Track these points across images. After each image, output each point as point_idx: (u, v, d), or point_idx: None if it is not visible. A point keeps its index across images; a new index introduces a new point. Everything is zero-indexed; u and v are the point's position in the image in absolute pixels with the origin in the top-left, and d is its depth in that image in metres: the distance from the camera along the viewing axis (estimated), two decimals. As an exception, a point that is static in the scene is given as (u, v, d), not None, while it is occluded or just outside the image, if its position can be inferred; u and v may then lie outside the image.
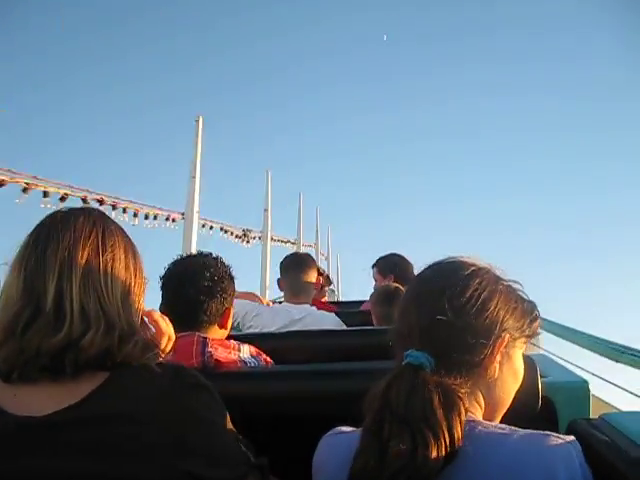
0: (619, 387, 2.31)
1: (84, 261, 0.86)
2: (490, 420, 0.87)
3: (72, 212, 0.93)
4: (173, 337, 1.16)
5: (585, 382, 1.38)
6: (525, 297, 0.93)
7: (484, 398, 0.87)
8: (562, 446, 0.75)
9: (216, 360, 1.45)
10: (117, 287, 0.88)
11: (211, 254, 1.70)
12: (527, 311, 0.91)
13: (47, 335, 0.80)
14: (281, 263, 2.91)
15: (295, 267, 2.82)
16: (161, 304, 1.63)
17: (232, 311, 1.65)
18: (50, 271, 0.85)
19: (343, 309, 3.45)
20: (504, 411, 0.91)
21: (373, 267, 3.52)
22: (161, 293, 1.65)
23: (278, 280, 2.93)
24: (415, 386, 0.79)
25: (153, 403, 0.81)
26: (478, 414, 0.86)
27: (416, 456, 0.73)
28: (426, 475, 0.73)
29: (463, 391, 0.83)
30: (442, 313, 0.85)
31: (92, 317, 0.83)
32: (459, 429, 0.76)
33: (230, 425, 0.90)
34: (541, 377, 1.17)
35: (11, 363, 0.81)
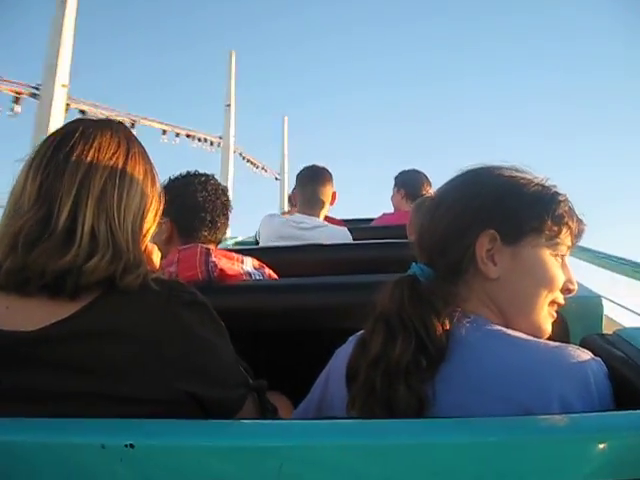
0: (630, 310, 2.29)
1: (102, 182, 0.82)
2: (510, 325, 0.83)
3: (99, 125, 0.88)
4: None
5: (598, 297, 1.34)
6: (533, 190, 0.86)
7: (494, 301, 0.84)
8: (581, 366, 0.74)
9: (220, 269, 1.44)
10: (129, 215, 0.83)
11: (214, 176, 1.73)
12: (533, 203, 0.85)
13: (54, 256, 0.76)
14: (297, 175, 2.81)
15: (312, 179, 2.72)
16: (165, 213, 1.60)
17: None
18: (69, 183, 0.80)
19: (352, 225, 3.40)
20: (523, 312, 0.85)
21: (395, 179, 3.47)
22: (165, 202, 1.61)
23: (292, 191, 2.84)
24: (395, 289, 0.84)
25: (148, 320, 0.78)
26: (491, 316, 0.83)
27: (389, 350, 0.78)
28: (400, 368, 0.76)
29: (456, 293, 0.84)
30: (426, 223, 0.91)
31: (101, 242, 0.79)
32: (436, 324, 0.78)
33: (229, 345, 0.87)
34: None
35: (12, 277, 0.77)
